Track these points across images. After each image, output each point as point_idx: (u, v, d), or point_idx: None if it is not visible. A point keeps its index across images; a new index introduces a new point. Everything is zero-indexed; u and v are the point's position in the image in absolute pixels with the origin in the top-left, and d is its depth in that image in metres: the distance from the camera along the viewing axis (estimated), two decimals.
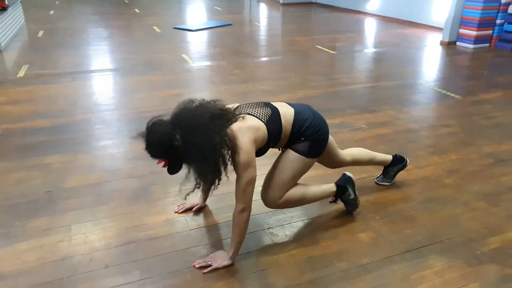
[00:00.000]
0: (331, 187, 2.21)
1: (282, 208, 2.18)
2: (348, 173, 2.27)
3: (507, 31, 6.49)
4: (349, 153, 2.38)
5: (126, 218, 2.27)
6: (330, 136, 2.13)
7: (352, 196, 2.24)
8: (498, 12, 6.45)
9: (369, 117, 3.74)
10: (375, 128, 3.47)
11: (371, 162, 2.48)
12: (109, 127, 3.48)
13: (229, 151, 1.76)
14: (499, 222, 2.24)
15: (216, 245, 2.08)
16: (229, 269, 1.89)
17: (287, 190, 2.03)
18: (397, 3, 9.15)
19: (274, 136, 1.90)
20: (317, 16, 10.40)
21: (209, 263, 1.90)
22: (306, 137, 1.95)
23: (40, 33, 7.68)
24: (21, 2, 8.84)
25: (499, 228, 2.19)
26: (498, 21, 6.52)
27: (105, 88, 4.61)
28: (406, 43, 6.93)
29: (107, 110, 3.87)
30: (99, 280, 1.83)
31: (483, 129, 3.48)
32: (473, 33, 6.47)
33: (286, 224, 2.24)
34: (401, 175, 2.68)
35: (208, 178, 1.78)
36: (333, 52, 6.31)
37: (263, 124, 1.85)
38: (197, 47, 6.80)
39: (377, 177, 2.63)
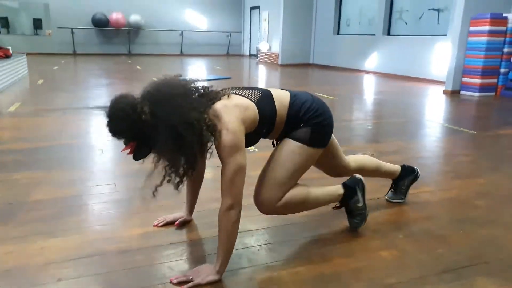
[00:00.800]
0: (337, 188, 1.82)
1: (280, 214, 1.73)
2: (358, 175, 1.88)
3: None
4: (354, 159, 2.02)
5: (94, 230, 1.87)
6: (333, 136, 1.80)
7: (360, 204, 1.82)
8: (501, 61, 6.41)
9: (378, 146, 3.43)
10: (386, 156, 3.12)
11: (378, 171, 2.10)
12: (93, 151, 3.15)
13: (211, 134, 1.42)
14: None
15: (201, 260, 1.66)
16: (215, 286, 1.46)
17: (287, 190, 1.64)
18: (395, 59, 9.27)
19: (267, 119, 1.57)
20: (314, 73, 10.50)
21: (191, 278, 1.47)
22: (306, 122, 1.61)
23: (40, 81, 7.63)
24: (26, 55, 8.98)
25: None
26: (502, 70, 6.44)
27: (96, 122, 4.35)
28: (407, 92, 6.82)
29: (94, 138, 3.57)
30: None
31: (509, 158, 3.14)
32: (478, 81, 6.37)
33: (288, 239, 1.83)
34: (421, 196, 2.31)
35: (179, 164, 1.43)
36: (333, 97, 6.16)
37: (253, 103, 1.53)
38: None
39: (387, 194, 2.25)
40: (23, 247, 1.70)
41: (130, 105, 1.39)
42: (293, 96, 1.65)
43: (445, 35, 7.92)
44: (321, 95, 6.36)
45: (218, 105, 1.47)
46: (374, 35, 9.97)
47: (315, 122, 1.62)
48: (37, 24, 14.75)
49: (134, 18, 14.92)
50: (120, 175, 2.59)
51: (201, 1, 16.25)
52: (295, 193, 1.67)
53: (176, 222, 1.90)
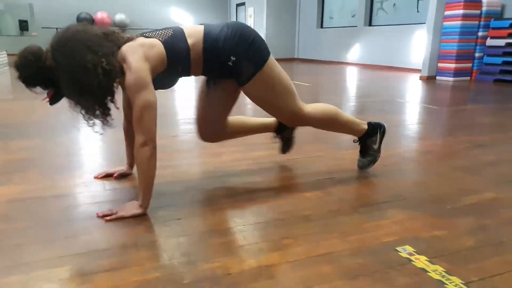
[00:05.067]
0: (362, 123, 1.99)
1: (312, 124, 1.88)
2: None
3: (487, 64, 6.44)
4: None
5: (26, 182, 1.92)
6: None
7: (375, 146, 2.00)
8: (476, 45, 6.47)
9: None
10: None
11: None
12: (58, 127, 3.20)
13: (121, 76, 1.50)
14: (477, 186, 1.89)
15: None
16: (140, 218, 1.52)
17: (298, 101, 1.78)
18: (376, 50, 9.37)
19: (179, 56, 1.59)
20: (298, 67, 10.53)
21: (115, 211, 1.53)
22: (233, 52, 1.61)
23: None
24: (6, 51, 9.01)
25: (477, 189, 1.84)
26: (477, 54, 6.50)
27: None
28: (385, 80, 6.90)
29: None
30: None
31: (462, 126, 3.22)
32: (452, 65, 6.44)
33: (217, 185, 1.89)
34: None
35: (92, 107, 1.51)
36: (309, 84, 6.22)
37: (159, 41, 1.57)
38: None
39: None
40: None
41: (33, 53, 1.46)
42: (207, 26, 1.65)
43: (424, 23, 8.01)
44: (298, 82, 6.44)
45: (124, 48, 1.52)
46: (356, 26, 10.07)
47: (244, 49, 1.62)
48: (23, 26, 14.72)
49: (119, 17, 14.92)
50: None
51: None
52: (328, 108, 1.88)
53: (115, 175, 1.96)
